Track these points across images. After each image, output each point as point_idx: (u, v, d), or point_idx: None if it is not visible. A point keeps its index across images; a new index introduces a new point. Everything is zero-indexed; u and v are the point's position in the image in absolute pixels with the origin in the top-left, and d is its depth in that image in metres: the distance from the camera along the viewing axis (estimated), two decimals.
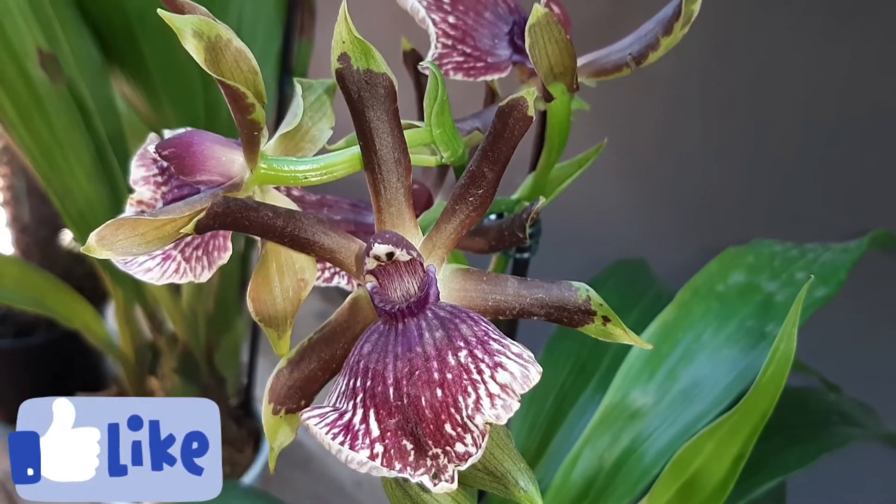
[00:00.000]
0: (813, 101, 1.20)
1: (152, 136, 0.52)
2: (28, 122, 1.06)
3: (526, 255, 0.73)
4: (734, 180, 1.31)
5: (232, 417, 1.59)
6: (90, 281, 1.65)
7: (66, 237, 1.85)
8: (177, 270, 0.52)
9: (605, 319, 0.49)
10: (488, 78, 0.59)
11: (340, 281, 0.59)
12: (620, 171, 1.36)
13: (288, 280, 0.50)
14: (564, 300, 0.49)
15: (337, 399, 0.45)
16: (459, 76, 0.59)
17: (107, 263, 1.28)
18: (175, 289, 1.43)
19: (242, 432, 1.61)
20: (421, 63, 0.55)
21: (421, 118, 0.60)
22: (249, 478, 1.52)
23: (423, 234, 0.50)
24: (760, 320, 0.97)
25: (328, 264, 0.59)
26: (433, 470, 0.42)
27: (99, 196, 1.14)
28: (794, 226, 1.25)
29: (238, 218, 0.45)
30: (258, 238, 0.57)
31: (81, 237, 1.23)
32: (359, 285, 0.60)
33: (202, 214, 0.43)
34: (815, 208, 1.27)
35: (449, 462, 0.42)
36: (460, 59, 0.59)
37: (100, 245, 0.41)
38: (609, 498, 0.92)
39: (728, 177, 1.31)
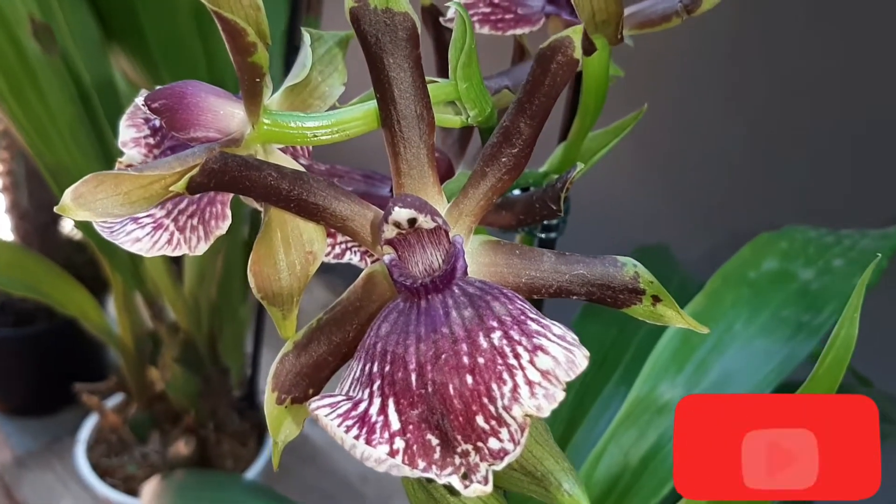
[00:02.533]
0: (843, 83, 1.14)
1: (143, 92, 0.46)
2: (19, 94, 1.00)
3: (553, 234, 0.67)
4: (760, 165, 1.25)
5: (235, 410, 1.54)
6: (91, 270, 1.60)
7: (66, 225, 1.80)
8: (169, 241, 0.46)
9: (656, 299, 0.44)
10: (518, 32, 0.54)
11: (352, 257, 0.53)
12: (641, 154, 1.30)
13: (294, 253, 0.44)
14: (609, 277, 0.43)
15: (350, 387, 0.40)
16: (486, 30, 0.53)
17: (105, 247, 1.23)
18: (177, 275, 1.38)
19: (246, 425, 1.55)
20: (446, 11, 0.49)
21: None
22: (253, 472, 1.47)
23: (448, 202, 0.44)
24: (797, 310, 0.91)
25: (339, 238, 0.54)
26: (462, 469, 0.36)
27: None
28: (822, 212, 1.19)
29: (237, 177, 0.39)
30: (262, 209, 0.52)
31: (78, 221, 1.17)
32: (374, 261, 0.54)
33: (195, 171, 0.37)
34: (844, 194, 1.21)
35: (481, 460, 0.36)
36: (487, 9, 0.53)
37: (76, 204, 0.36)
38: (634, 497, 0.87)
39: (754, 161, 1.25)
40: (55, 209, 0.35)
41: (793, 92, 1.18)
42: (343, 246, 0.54)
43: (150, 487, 1.21)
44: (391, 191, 0.59)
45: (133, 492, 1.40)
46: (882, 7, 1.06)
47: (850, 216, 1.10)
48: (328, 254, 0.52)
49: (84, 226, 1.15)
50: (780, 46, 1.17)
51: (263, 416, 1.57)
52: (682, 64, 1.22)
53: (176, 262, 1.41)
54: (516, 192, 0.60)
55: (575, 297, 0.44)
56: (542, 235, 0.67)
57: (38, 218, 1.75)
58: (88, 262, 1.66)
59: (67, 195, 0.35)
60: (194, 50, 1.12)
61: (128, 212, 0.36)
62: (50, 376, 1.72)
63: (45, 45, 0.98)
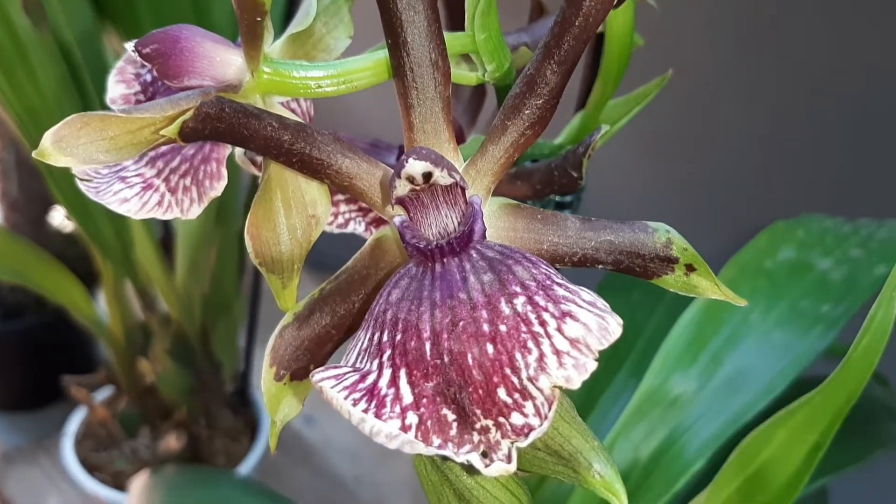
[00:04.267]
0: (860, 74, 1.10)
1: (131, 43, 0.42)
2: (9, 73, 0.97)
3: (566, 211, 0.63)
4: (773, 156, 1.21)
5: (228, 405, 1.50)
6: (82, 264, 1.56)
7: (57, 216, 1.76)
8: (159, 203, 0.42)
9: (689, 268, 0.40)
10: None
11: (357, 227, 0.50)
12: (651, 144, 1.27)
13: (296, 216, 0.41)
14: (639, 244, 0.40)
15: (358, 358, 0.36)
16: None
17: (96, 234, 1.19)
18: (168, 265, 1.34)
19: (239, 421, 1.51)
20: None
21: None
22: (245, 468, 1.43)
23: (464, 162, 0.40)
24: (815, 301, 0.87)
25: (342, 207, 0.50)
26: (482, 446, 0.33)
27: None
28: (836, 203, 1.16)
29: (234, 125, 0.35)
30: (260, 174, 0.48)
31: (68, 206, 1.14)
32: (379, 227, 0.51)
33: (189, 115, 0.33)
34: (856, 185, 1.17)
35: (502, 437, 0.32)
36: None
37: (57, 147, 0.32)
38: (646, 494, 0.83)
39: (766, 152, 1.21)
40: (33, 154, 0.32)
41: (806, 83, 1.15)
42: (347, 215, 0.50)
43: (139, 483, 1.17)
44: (398, 159, 0.55)
45: (122, 487, 1.36)
46: None
47: (862, 208, 1.07)
48: (330, 223, 0.49)
49: (75, 211, 1.11)
50: (793, 37, 1.13)
51: (256, 413, 1.53)
52: (692, 52, 1.19)
53: (168, 252, 1.38)
54: (527, 164, 0.57)
55: (600, 267, 0.41)
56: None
57: (28, 209, 1.71)
58: (80, 255, 1.62)
59: (47, 137, 0.32)
60: None
61: (113, 158, 0.32)
62: (38, 371, 1.68)
63: (36, 21, 0.94)
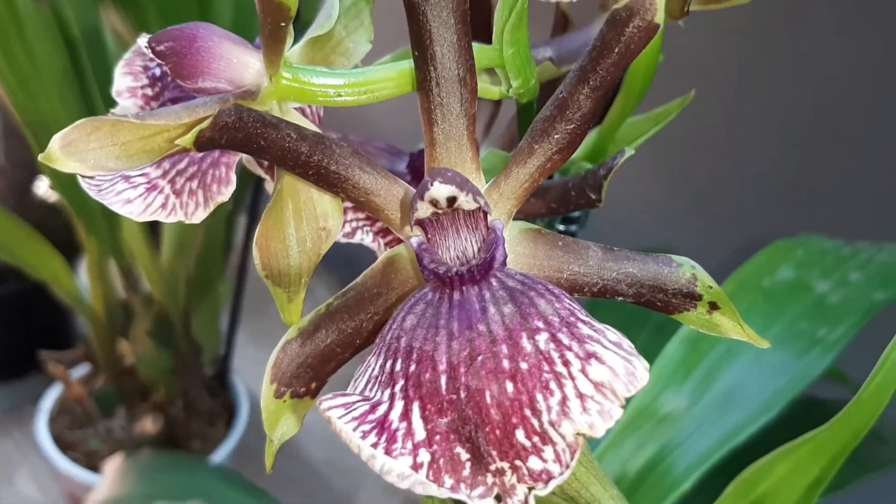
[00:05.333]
0: (864, 93, 1.09)
1: (143, 37, 0.40)
2: (4, 42, 0.94)
3: (574, 227, 0.62)
4: (775, 173, 1.20)
5: (206, 388, 1.48)
6: (64, 234, 1.53)
7: (42, 186, 1.73)
8: (164, 206, 0.40)
9: (713, 307, 0.39)
10: None
11: (364, 237, 0.48)
12: (658, 159, 1.25)
13: (306, 227, 0.39)
14: (662, 278, 0.38)
15: (368, 385, 0.34)
16: None
17: (82, 210, 1.16)
18: (154, 245, 1.31)
19: (216, 405, 1.50)
20: None
21: None
22: (221, 454, 1.41)
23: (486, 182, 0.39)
24: (812, 322, 0.86)
25: (349, 215, 0.48)
26: (496, 489, 0.31)
27: None
28: (835, 223, 1.15)
29: (252, 135, 0.33)
30: (265, 176, 0.46)
31: (55, 179, 1.11)
32: (389, 242, 0.49)
33: (206, 124, 0.31)
34: (857, 206, 1.16)
35: (518, 481, 0.31)
36: None
37: (65, 152, 0.30)
38: None
39: (769, 169, 1.20)
40: (39, 157, 0.30)
41: (810, 103, 1.13)
42: (354, 224, 0.48)
43: (113, 465, 1.15)
44: (408, 167, 0.54)
45: (95, 468, 1.34)
46: None
47: (863, 228, 1.06)
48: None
49: (62, 184, 1.09)
50: (798, 51, 1.12)
51: (234, 397, 1.52)
52: (697, 66, 1.17)
53: (154, 231, 1.35)
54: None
55: (620, 299, 0.39)
56: (562, 227, 0.62)
57: (14, 176, 1.68)
58: (63, 225, 1.59)
59: (56, 141, 0.30)
60: (190, 9, 1.06)
61: (124, 166, 0.30)
62: (14, 341, 1.66)
63: None
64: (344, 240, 0.47)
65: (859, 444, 1.03)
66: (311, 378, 0.40)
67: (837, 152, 1.14)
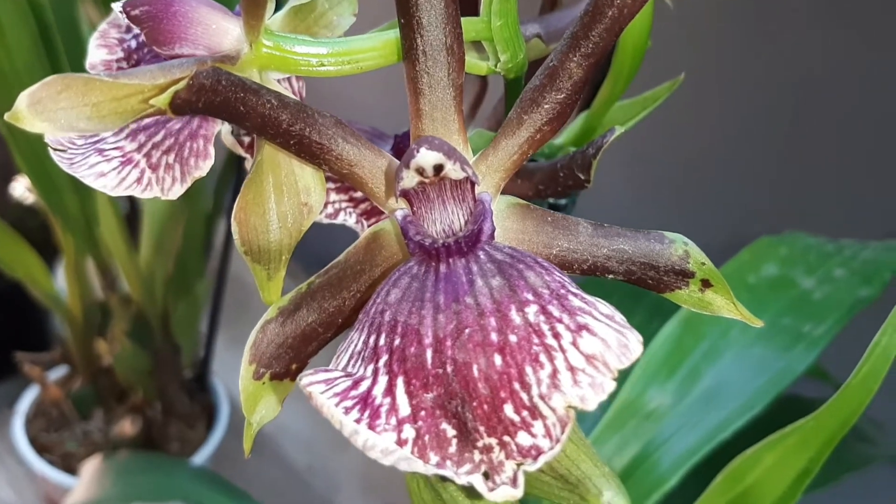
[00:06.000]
0: (849, 92, 1.09)
1: (118, 3, 0.39)
2: None
3: (562, 212, 0.61)
4: (758, 171, 1.20)
5: (185, 390, 1.46)
6: (41, 236, 1.50)
7: (18, 188, 1.71)
8: (139, 180, 0.39)
9: (705, 284, 0.38)
10: None
11: (347, 218, 0.47)
12: (645, 148, 1.25)
13: (287, 202, 0.38)
14: (654, 255, 0.37)
15: (350, 361, 0.33)
16: None
17: (58, 206, 1.14)
18: (132, 243, 1.29)
19: (196, 407, 1.47)
20: None
21: None
22: (200, 458, 1.39)
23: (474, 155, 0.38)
24: (797, 318, 0.86)
25: (332, 196, 0.47)
26: (483, 466, 0.30)
27: None
28: (818, 222, 1.15)
29: (230, 99, 0.32)
30: (245, 155, 0.45)
31: (31, 174, 1.09)
32: (372, 223, 0.48)
33: (182, 84, 0.30)
34: (841, 205, 1.16)
35: (507, 458, 0.30)
36: None
37: (33, 111, 0.28)
38: None
39: (753, 167, 1.20)
40: (5, 117, 0.28)
41: (795, 99, 1.13)
42: (337, 205, 0.47)
43: (91, 467, 1.13)
44: (393, 149, 0.52)
45: (72, 470, 1.31)
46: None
47: (846, 227, 1.05)
48: (321, 212, 0.46)
49: (36, 175, 1.07)
50: (784, 50, 1.12)
51: (214, 399, 1.50)
52: (694, 58, 1.17)
53: (133, 229, 1.33)
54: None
55: (611, 277, 0.38)
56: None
57: None
58: (39, 227, 1.56)
59: (23, 99, 0.28)
60: None
61: (94, 127, 0.29)
62: None
63: None
64: (326, 220, 0.46)
65: (844, 442, 1.03)
66: (291, 359, 0.39)
67: (819, 150, 1.14)
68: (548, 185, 0.47)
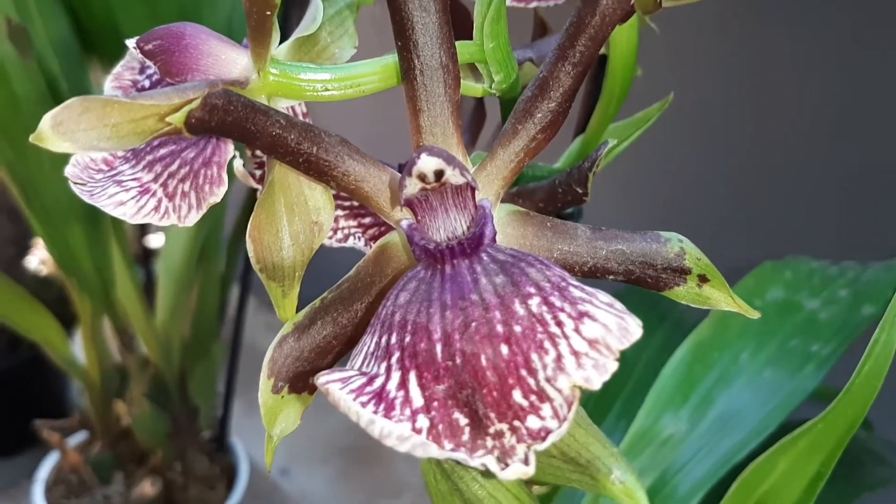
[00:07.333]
0: (843, 117, 1.11)
1: (132, 40, 0.41)
2: None
3: None
4: (758, 197, 1.21)
5: (204, 452, 1.46)
6: (58, 306, 1.52)
7: (33, 261, 1.74)
8: (156, 208, 0.41)
9: (702, 279, 0.39)
10: (542, 4, 0.50)
11: (356, 242, 0.49)
12: (638, 177, 1.27)
13: (299, 222, 0.40)
14: (651, 254, 0.39)
15: (364, 362, 0.35)
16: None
17: (74, 269, 1.16)
18: (148, 304, 1.31)
19: (215, 469, 1.48)
20: None
21: None
22: None
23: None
24: (804, 339, 0.87)
25: (341, 223, 0.49)
26: (496, 451, 0.31)
27: (67, 192, 1.02)
28: (815, 246, 1.16)
29: (241, 119, 0.34)
30: (258, 188, 0.47)
31: (46, 236, 1.11)
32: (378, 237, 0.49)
33: (195, 103, 0.32)
34: (836, 230, 1.18)
35: (518, 441, 0.31)
36: None
37: (56, 132, 0.31)
38: None
39: (753, 192, 1.22)
40: (30, 139, 0.31)
41: (790, 123, 1.15)
42: (346, 231, 0.49)
43: None
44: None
45: None
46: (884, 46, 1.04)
47: (842, 251, 1.07)
48: (330, 237, 0.48)
49: (53, 239, 1.09)
50: (781, 74, 1.14)
51: (234, 460, 1.50)
52: (688, 81, 1.20)
53: (149, 292, 1.35)
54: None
55: (611, 277, 0.40)
56: None
57: (3, 252, 1.69)
58: (56, 298, 1.58)
59: (46, 121, 0.30)
60: None
61: (114, 146, 0.31)
62: (9, 416, 1.63)
63: (21, 49, 0.93)
64: (336, 244, 0.48)
65: (860, 464, 1.03)
66: (308, 372, 0.40)
67: (814, 176, 1.15)
68: (548, 202, 0.49)
